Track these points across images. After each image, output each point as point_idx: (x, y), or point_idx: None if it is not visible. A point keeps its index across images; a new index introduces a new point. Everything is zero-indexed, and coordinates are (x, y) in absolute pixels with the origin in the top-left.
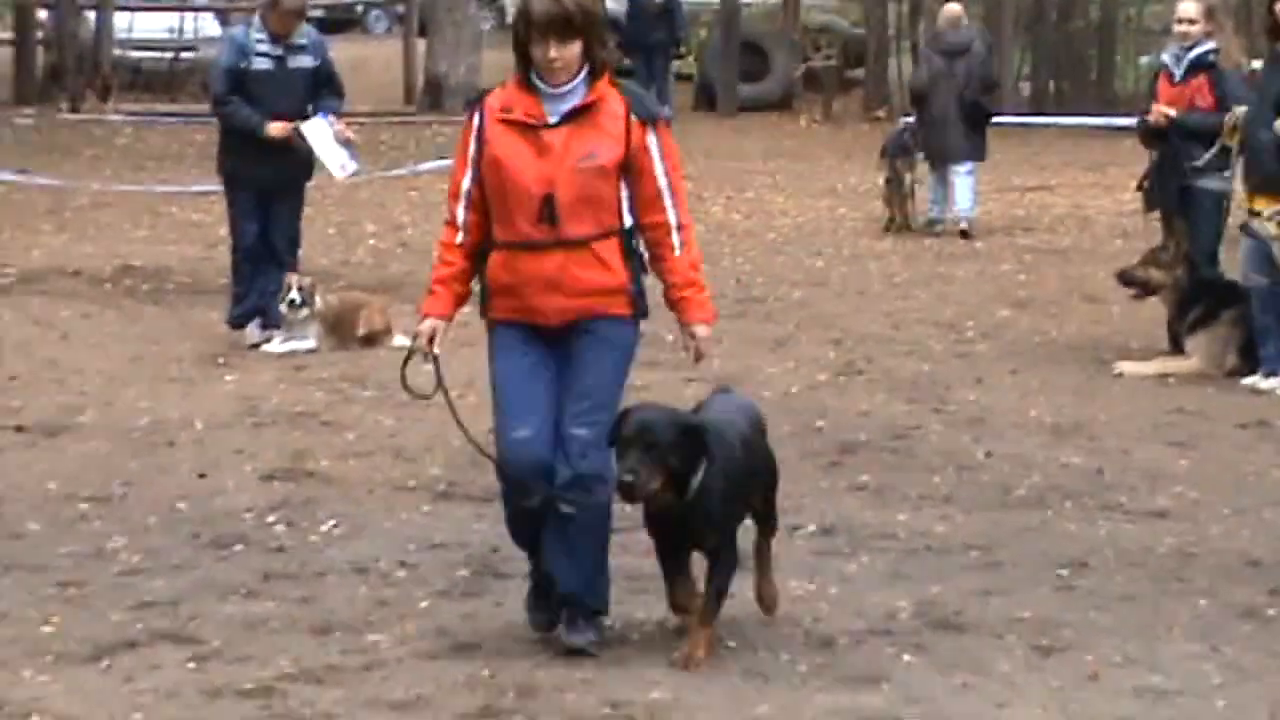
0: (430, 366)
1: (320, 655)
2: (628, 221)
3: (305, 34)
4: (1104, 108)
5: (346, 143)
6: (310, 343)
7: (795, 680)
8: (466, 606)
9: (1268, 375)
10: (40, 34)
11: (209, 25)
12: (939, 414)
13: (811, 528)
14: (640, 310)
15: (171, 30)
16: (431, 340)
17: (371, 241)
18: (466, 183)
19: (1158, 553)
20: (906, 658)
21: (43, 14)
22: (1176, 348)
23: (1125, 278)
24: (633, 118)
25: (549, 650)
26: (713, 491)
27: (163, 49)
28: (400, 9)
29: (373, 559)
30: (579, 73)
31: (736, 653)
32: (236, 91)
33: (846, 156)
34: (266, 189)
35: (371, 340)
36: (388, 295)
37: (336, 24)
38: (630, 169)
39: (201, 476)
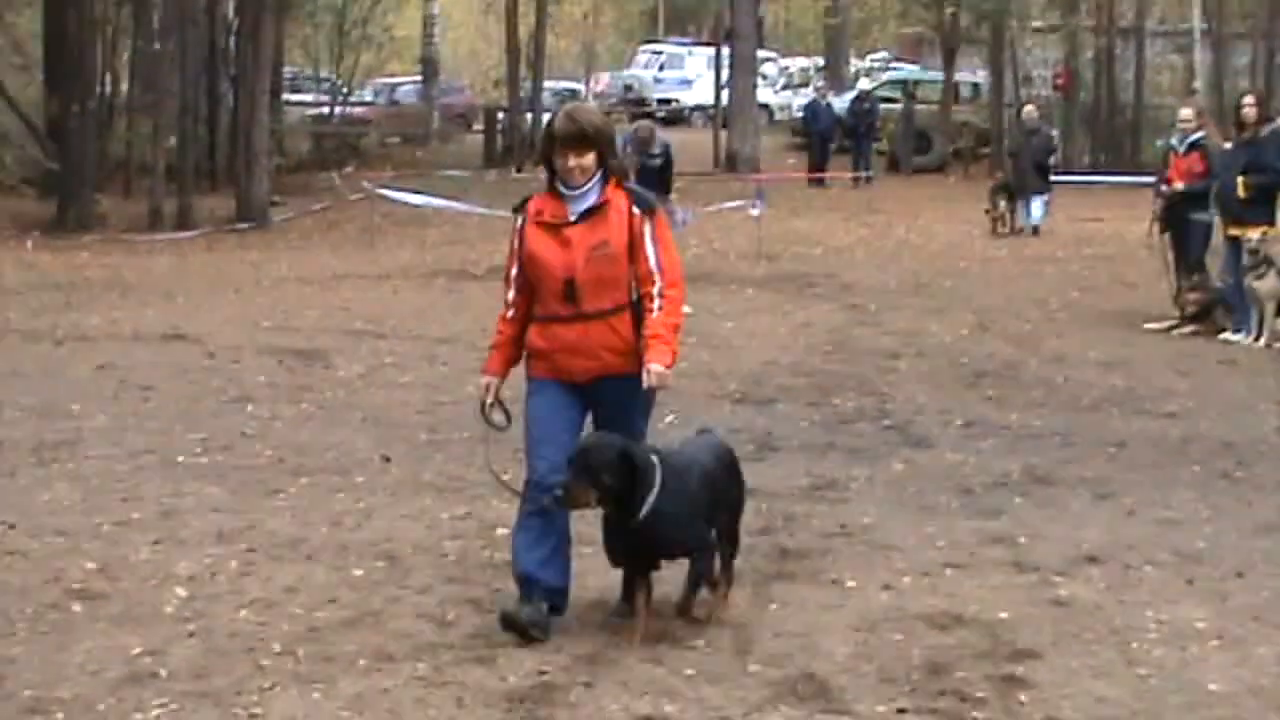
0: (499, 412)
1: None
2: (634, 296)
3: (660, 146)
4: (1134, 170)
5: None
6: None
7: (950, 511)
8: (757, 465)
9: (1234, 331)
10: (499, 126)
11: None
12: (1035, 354)
13: (959, 422)
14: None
15: None
16: (488, 391)
17: (694, 247)
18: (514, 271)
19: (1169, 438)
20: (1017, 499)
21: (501, 114)
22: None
23: (1184, 301)
24: (634, 210)
25: None
26: (665, 515)
27: None
28: (710, 111)
29: None
30: (594, 177)
31: (917, 495)
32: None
33: (978, 200)
34: None
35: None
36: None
37: (672, 120)
38: (632, 250)
39: None
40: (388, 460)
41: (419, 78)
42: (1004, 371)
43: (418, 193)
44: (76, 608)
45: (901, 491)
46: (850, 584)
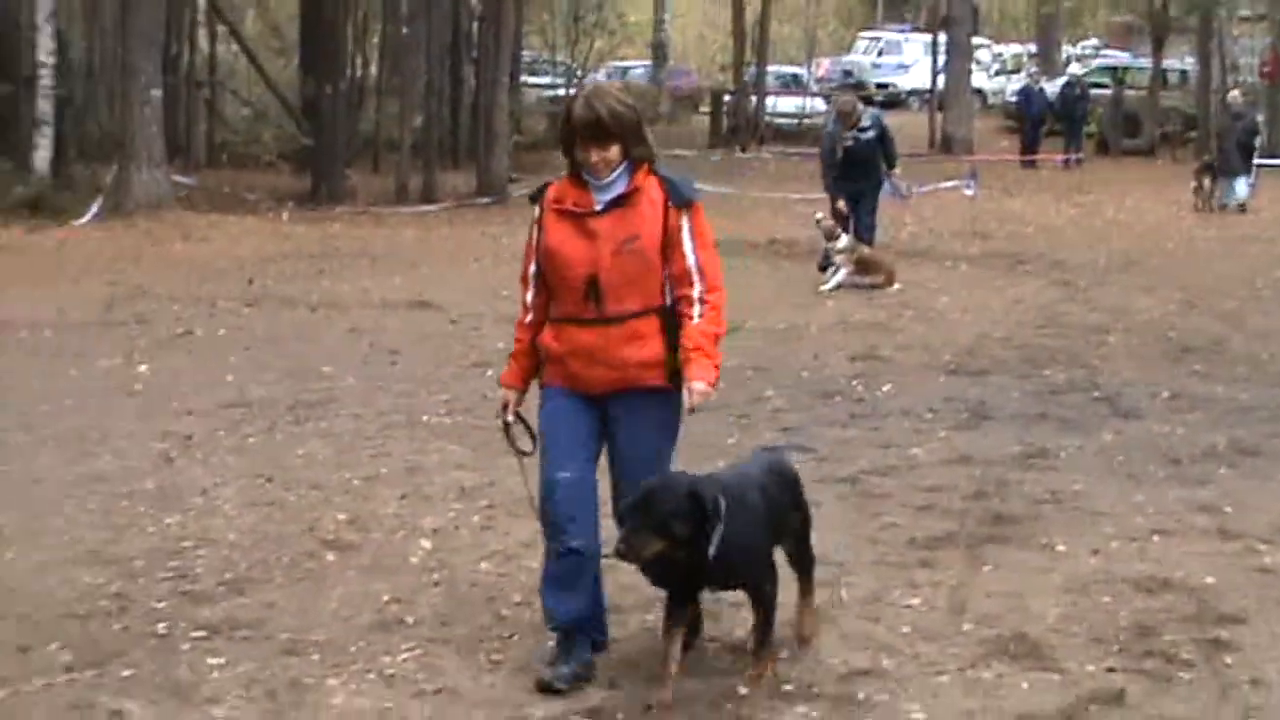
0: (520, 427)
1: (881, 459)
2: (669, 300)
3: (868, 121)
4: None
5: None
6: (842, 274)
7: (1157, 480)
8: (971, 433)
9: None
10: (724, 108)
11: (819, 104)
12: (1241, 330)
13: (1166, 394)
14: (679, 380)
15: (797, 107)
16: (506, 406)
17: (910, 226)
18: (532, 269)
19: None
20: (1222, 469)
21: (726, 97)
22: None
23: None
24: (670, 203)
25: None
26: (733, 547)
27: (792, 117)
28: (927, 96)
29: (913, 408)
30: (619, 166)
31: (1125, 464)
32: (832, 154)
33: (1185, 182)
34: (851, 195)
35: (877, 286)
36: (895, 255)
37: (890, 104)
38: (666, 248)
39: (815, 357)
40: None
41: (649, 62)
42: (1210, 347)
43: None
44: (330, 557)
45: (1110, 460)
46: (1060, 548)
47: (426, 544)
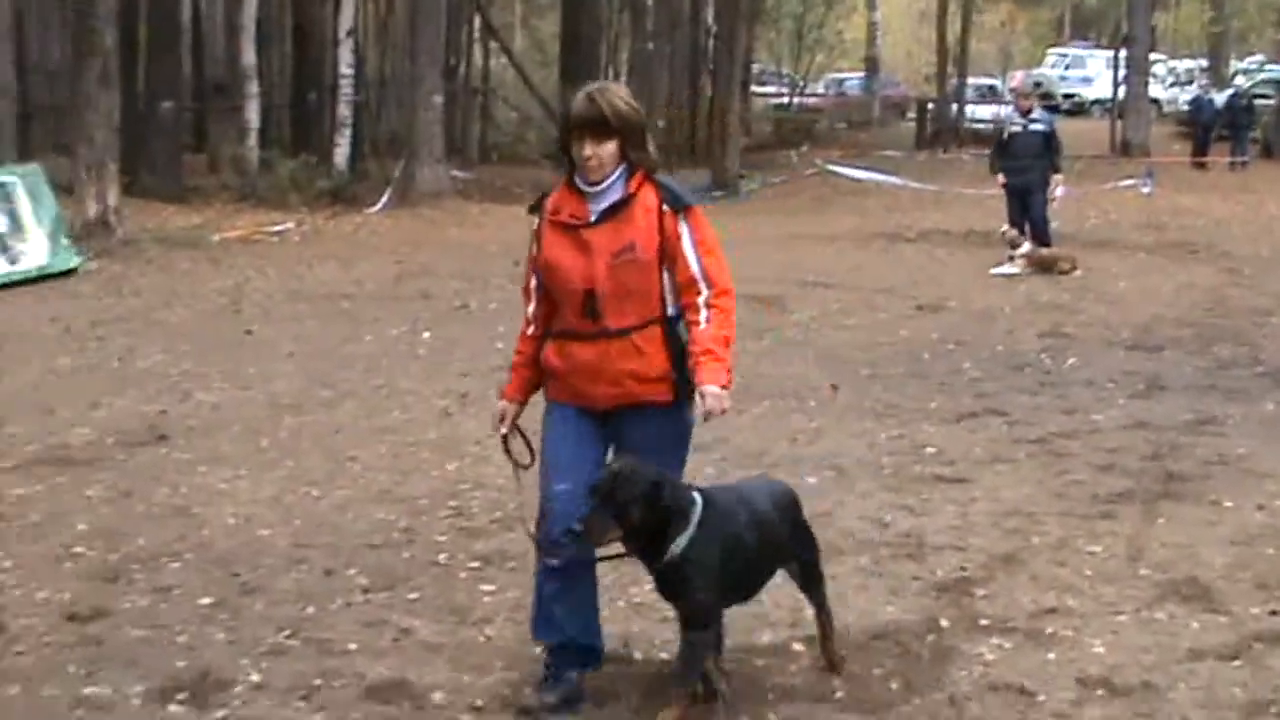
0: (518, 440)
1: (1067, 423)
2: (670, 310)
3: (1039, 115)
4: None
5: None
6: (1012, 269)
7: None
8: (1146, 402)
9: None
10: (928, 115)
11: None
12: None
13: (1259, 368)
14: (683, 392)
15: (993, 115)
16: (503, 419)
17: (1092, 219)
18: (534, 282)
19: None
20: None
21: (930, 105)
22: None
23: None
24: (665, 208)
25: None
26: (692, 560)
27: (988, 123)
28: (1108, 105)
29: (1095, 378)
30: (615, 171)
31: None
32: (1000, 136)
33: None
34: (1018, 189)
35: (1063, 273)
36: (1079, 244)
37: (1075, 112)
38: (666, 256)
39: (1008, 333)
40: (835, 389)
41: (863, 74)
42: None
43: (860, 169)
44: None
45: (1273, 428)
46: (1228, 504)
47: None
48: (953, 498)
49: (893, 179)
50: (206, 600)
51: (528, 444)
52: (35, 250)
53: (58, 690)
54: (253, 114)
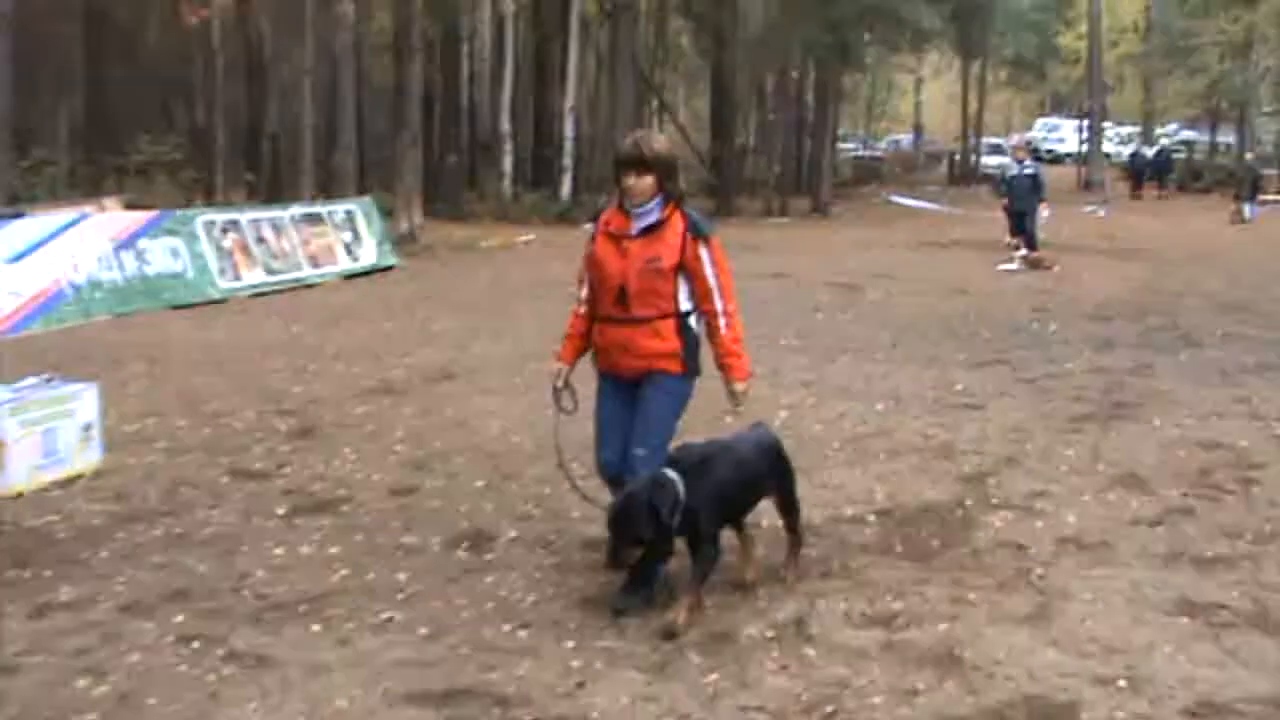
0: (568, 393)
1: (1050, 369)
2: (683, 308)
3: (1030, 163)
4: None
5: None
6: (1013, 266)
7: (1213, 384)
8: (1103, 354)
9: None
10: (954, 161)
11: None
12: (1265, 296)
13: (1219, 333)
14: (690, 369)
15: (998, 163)
16: (557, 376)
17: (1065, 232)
18: (587, 274)
19: None
20: (1252, 378)
21: (955, 156)
22: None
23: None
24: (689, 234)
25: None
26: (693, 513)
27: (995, 168)
28: (1075, 156)
29: (1069, 338)
30: (654, 198)
31: (1194, 373)
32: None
33: (1228, 207)
34: (1018, 212)
35: (1047, 269)
36: (1057, 249)
37: (1054, 161)
38: (686, 270)
39: (1011, 308)
40: (895, 346)
41: (912, 134)
42: (1246, 305)
43: (910, 198)
44: (728, 420)
45: (1185, 371)
46: (1156, 423)
47: (784, 413)
48: (973, 418)
49: (932, 205)
50: (480, 483)
51: (574, 397)
52: (368, 253)
53: (385, 539)
54: (507, 163)
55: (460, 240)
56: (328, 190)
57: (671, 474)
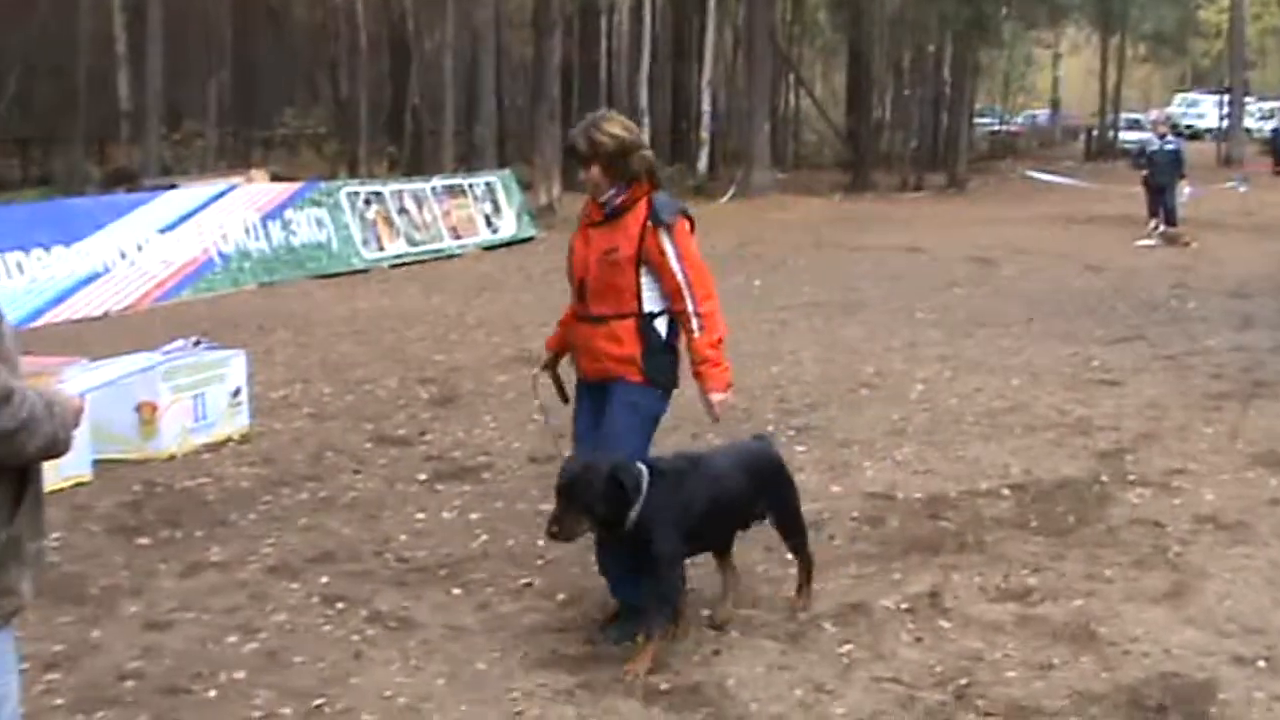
0: (546, 380)
1: (1189, 346)
2: (649, 308)
3: (1171, 139)
4: None
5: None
6: (1151, 241)
7: None
8: (1243, 332)
9: None
10: (1093, 137)
11: (1151, 136)
12: None
13: None
14: (653, 379)
15: (1137, 139)
16: (544, 366)
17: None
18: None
19: None
20: None
21: (1093, 131)
22: None
23: None
24: (649, 222)
25: None
26: (651, 522)
27: (1133, 143)
28: (1216, 132)
29: (1208, 316)
30: (610, 186)
31: None
32: (1140, 153)
33: None
34: (1158, 188)
35: (1185, 245)
36: (1195, 226)
37: (1192, 137)
38: (649, 263)
39: (1149, 285)
40: (1031, 321)
41: (1049, 110)
42: None
43: (1046, 173)
44: (864, 392)
45: None
46: None
47: (919, 386)
48: (1110, 394)
49: (1068, 180)
50: None
51: (559, 386)
52: (508, 225)
53: (524, 505)
54: (644, 136)
55: None
56: (468, 162)
57: (641, 466)
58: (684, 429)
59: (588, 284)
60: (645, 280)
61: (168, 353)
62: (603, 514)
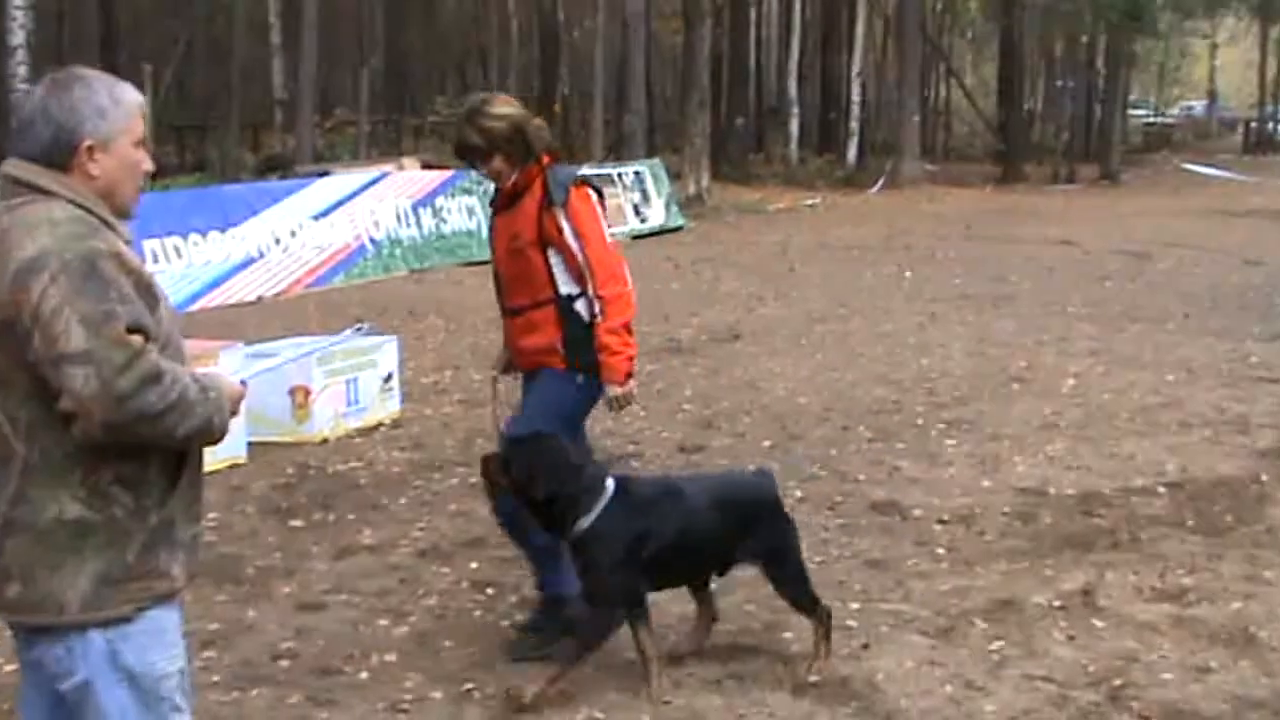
0: (504, 383)
1: None
2: (563, 290)
3: None
4: None
5: None
6: None
7: None
8: None
9: None
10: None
11: None
12: None
13: None
14: (575, 364)
15: None
16: (501, 368)
17: None
18: None
19: None
20: None
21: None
22: None
23: None
24: (543, 201)
25: None
26: (600, 537)
27: None
28: None
29: None
30: (515, 169)
31: None
32: None
33: None
34: None
35: None
36: None
37: None
38: (552, 245)
39: None
40: (1187, 316)
41: (1205, 101)
42: None
43: (1203, 166)
44: (1015, 386)
45: None
46: None
47: (1071, 381)
48: (1270, 392)
49: (1226, 173)
50: (766, 442)
51: (494, 387)
52: (656, 214)
53: None
54: (794, 127)
55: (747, 203)
56: (617, 152)
57: (609, 480)
58: (833, 420)
59: (502, 276)
60: (554, 261)
61: (337, 340)
62: (544, 493)
